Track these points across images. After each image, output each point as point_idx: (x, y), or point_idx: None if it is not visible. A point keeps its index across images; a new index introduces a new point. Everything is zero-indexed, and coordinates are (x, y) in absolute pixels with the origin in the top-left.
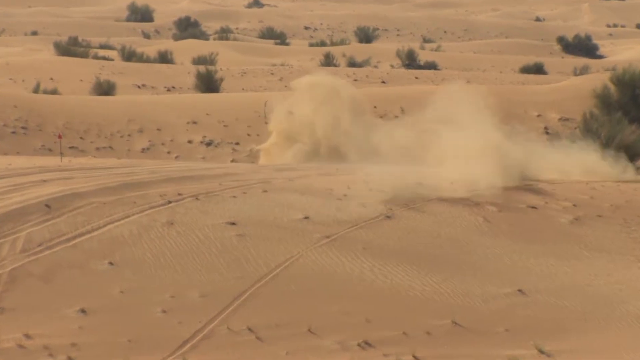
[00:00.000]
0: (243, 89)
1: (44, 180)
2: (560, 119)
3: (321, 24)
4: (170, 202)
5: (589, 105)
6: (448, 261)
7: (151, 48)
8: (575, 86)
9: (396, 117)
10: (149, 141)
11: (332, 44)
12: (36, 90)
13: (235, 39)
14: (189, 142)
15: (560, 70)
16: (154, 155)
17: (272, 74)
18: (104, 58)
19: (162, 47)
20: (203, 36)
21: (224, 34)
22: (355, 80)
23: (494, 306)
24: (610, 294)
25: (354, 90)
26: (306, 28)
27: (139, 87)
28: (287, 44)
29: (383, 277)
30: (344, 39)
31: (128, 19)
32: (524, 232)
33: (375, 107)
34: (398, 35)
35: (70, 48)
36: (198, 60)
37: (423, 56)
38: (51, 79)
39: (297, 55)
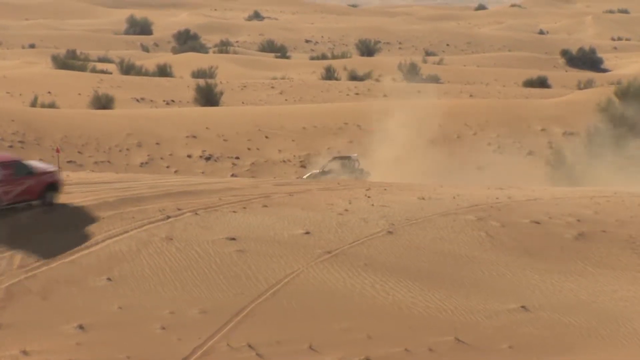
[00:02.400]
0: (243, 103)
1: None
2: (564, 133)
3: (322, 36)
4: (169, 217)
5: (593, 119)
6: (451, 277)
7: (150, 61)
8: (580, 100)
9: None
10: (148, 155)
11: (333, 57)
12: (34, 104)
13: (235, 52)
14: (189, 156)
15: (564, 83)
16: (153, 170)
17: (272, 87)
18: (103, 71)
19: (161, 60)
20: (203, 49)
21: (223, 47)
22: (357, 94)
23: (498, 323)
24: (615, 310)
25: None
26: (307, 41)
27: (137, 100)
28: (287, 57)
29: (385, 294)
30: (345, 52)
31: (127, 32)
32: (528, 248)
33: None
34: (400, 48)
35: (68, 61)
36: (197, 74)
37: (425, 69)
38: (49, 92)
39: (297, 68)
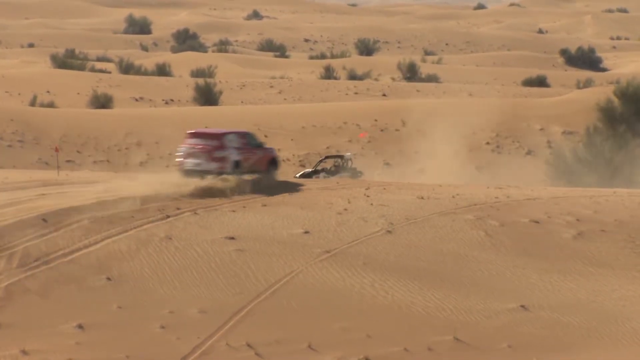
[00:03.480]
0: (242, 102)
1: (41, 194)
2: (563, 133)
3: (321, 36)
4: (168, 216)
5: (592, 118)
6: (450, 277)
7: (149, 60)
8: (579, 99)
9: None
10: (147, 154)
11: (333, 56)
12: (33, 103)
13: (234, 52)
14: None
15: (563, 83)
16: (152, 169)
17: (271, 86)
18: (102, 71)
19: (161, 59)
20: (202, 48)
21: (222, 46)
22: (356, 93)
23: (497, 322)
24: (615, 310)
25: None
26: (306, 40)
27: (136, 100)
28: (286, 57)
29: (384, 293)
30: (344, 52)
31: (126, 31)
32: (527, 247)
33: (376, 120)
34: (399, 47)
35: (67, 60)
36: (197, 73)
37: (424, 69)
38: (48, 92)
39: (296, 67)
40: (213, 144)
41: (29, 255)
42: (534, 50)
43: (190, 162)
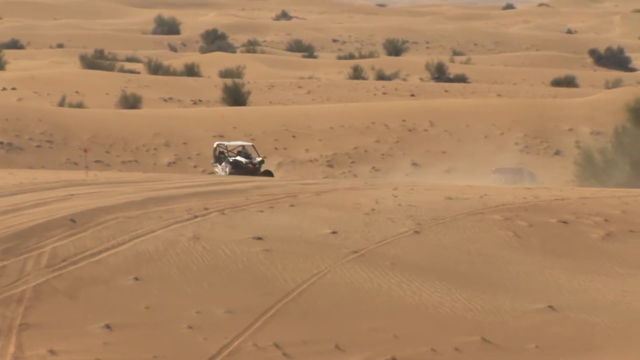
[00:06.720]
0: (270, 102)
1: (70, 195)
2: (592, 133)
3: (349, 36)
4: (196, 216)
5: (621, 119)
6: (478, 277)
7: (178, 61)
8: (607, 100)
9: (425, 130)
10: (175, 155)
11: (361, 56)
12: (61, 103)
13: (262, 52)
14: None
15: (592, 83)
16: (180, 169)
17: (299, 87)
18: (130, 71)
19: (189, 60)
20: (230, 49)
21: (251, 46)
22: (384, 93)
23: (525, 323)
24: None
25: None
26: (334, 41)
27: (165, 100)
28: (315, 57)
29: (411, 293)
30: (372, 52)
31: (155, 32)
32: (555, 248)
33: (404, 120)
34: (427, 47)
35: (96, 61)
36: (225, 73)
37: (453, 69)
38: (77, 92)
39: (325, 68)
40: None
41: (57, 255)
42: (562, 51)
43: None
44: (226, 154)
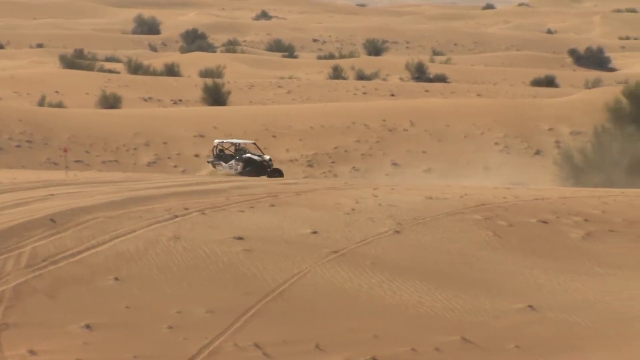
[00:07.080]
0: (251, 102)
1: (50, 195)
2: (571, 133)
3: (330, 36)
4: (176, 216)
5: (601, 118)
6: (458, 277)
7: (158, 61)
8: (587, 99)
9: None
10: (155, 155)
11: (341, 56)
12: (41, 103)
13: (242, 52)
14: (196, 155)
15: (571, 83)
16: (160, 169)
17: (280, 87)
18: (110, 71)
19: (169, 59)
20: (210, 49)
21: (231, 46)
22: (364, 93)
23: (505, 322)
24: (623, 310)
25: None
26: (314, 40)
27: (145, 100)
28: (295, 57)
29: (392, 293)
30: (352, 52)
31: (134, 32)
32: (535, 248)
33: (384, 120)
34: (407, 47)
35: (76, 61)
36: (205, 73)
37: (433, 69)
38: (56, 92)
39: (305, 68)
40: None
41: (37, 255)
42: (542, 51)
43: None
44: (241, 151)
